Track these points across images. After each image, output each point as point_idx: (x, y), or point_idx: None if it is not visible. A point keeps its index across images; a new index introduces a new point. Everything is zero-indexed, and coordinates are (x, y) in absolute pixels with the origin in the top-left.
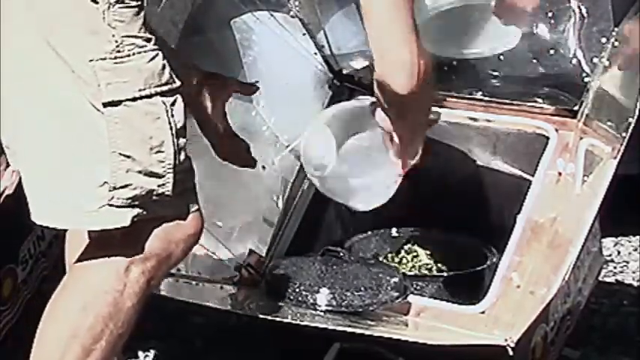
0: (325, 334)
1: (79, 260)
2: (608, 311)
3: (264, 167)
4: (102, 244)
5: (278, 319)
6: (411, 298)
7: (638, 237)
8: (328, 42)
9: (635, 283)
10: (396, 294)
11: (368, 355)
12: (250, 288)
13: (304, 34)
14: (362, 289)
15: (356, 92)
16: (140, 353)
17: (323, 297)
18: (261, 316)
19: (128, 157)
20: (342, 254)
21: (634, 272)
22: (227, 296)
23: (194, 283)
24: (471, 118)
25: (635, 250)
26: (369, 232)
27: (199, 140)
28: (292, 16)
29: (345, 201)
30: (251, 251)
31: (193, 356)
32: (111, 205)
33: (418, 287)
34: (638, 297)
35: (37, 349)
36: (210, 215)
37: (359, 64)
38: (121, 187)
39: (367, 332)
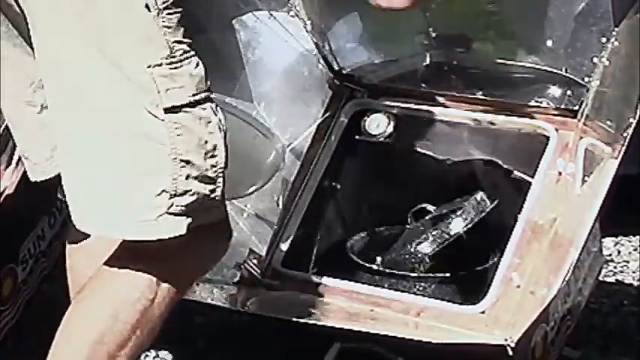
0: (326, 334)
1: (108, 265)
2: (608, 311)
3: None
4: (136, 250)
5: (279, 318)
6: (411, 297)
7: (638, 237)
8: (328, 42)
9: (635, 283)
10: None
11: (368, 355)
12: (251, 287)
13: (304, 34)
14: None
15: (356, 92)
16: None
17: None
18: (261, 314)
19: (188, 162)
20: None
21: (634, 272)
22: (227, 296)
23: (194, 283)
24: (472, 119)
25: (635, 250)
26: (368, 232)
27: None
28: (292, 16)
29: None
30: (251, 251)
31: (195, 356)
32: (170, 214)
33: (418, 287)
34: (638, 297)
35: (58, 351)
36: None
37: (359, 64)
38: (181, 194)
39: (367, 332)
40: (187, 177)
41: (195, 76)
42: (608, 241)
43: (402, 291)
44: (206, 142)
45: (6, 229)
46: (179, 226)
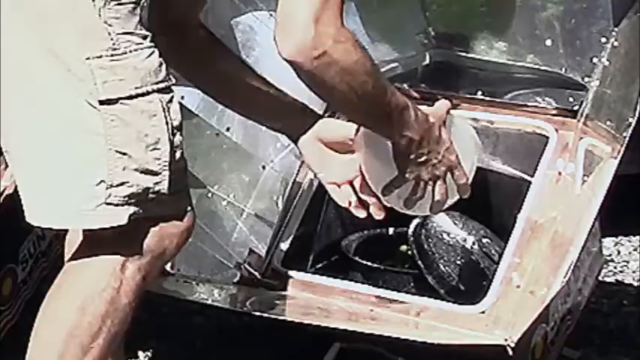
0: (325, 334)
1: (73, 259)
2: (608, 311)
3: (264, 167)
4: (97, 242)
5: (278, 318)
6: (411, 297)
7: (638, 237)
8: None
9: (635, 283)
10: None
11: (368, 355)
12: (250, 287)
13: None
14: None
15: None
16: (140, 353)
17: None
18: (260, 314)
19: (124, 154)
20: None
21: (634, 272)
22: (227, 296)
23: (194, 283)
24: (472, 119)
25: (635, 250)
26: (366, 232)
27: (200, 143)
28: None
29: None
30: (251, 251)
31: (193, 356)
32: (108, 204)
33: (418, 287)
34: (638, 297)
35: (34, 349)
36: (210, 215)
37: None
38: (118, 185)
39: (367, 332)
40: (124, 168)
41: (142, 69)
42: (608, 241)
43: (402, 291)
44: (147, 135)
45: (6, 229)
46: (119, 217)
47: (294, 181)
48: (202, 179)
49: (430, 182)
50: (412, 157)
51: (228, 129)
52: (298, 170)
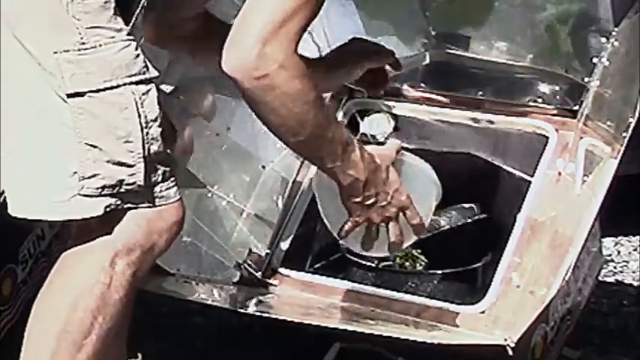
0: (325, 334)
1: (64, 256)
2: (608, 311)
3: (264, 167)
4: (85, 238)
5: (278, 318)
6: (411, 298)
7: (638, 237)
8: (328, 42)
9: (635, 283)
10: None
11: (368, 355)
12: (250, 287)
13: (304, 34)
14: None
15: (356, 92)
16: (139, 353)
17: None
18: (260, 314)
19: (94, 147)
20: None
21: (634, 272)
22: (227, 296)
23: (194, 283)
24: (472, 119)
25: (635, 250)
26: None
27: (200, 143)
28: None
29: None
30: (251, 251)
31: (193, 356)
32: (82, 195)
33: (418, 287)
34: (638, 297)
35: (28, 346)
36: (210, 215)
37: None
38: (90, 177)
39: (367, 332)
40: (95, 160)
41: (113, 62)
42: (608, 241)
43: (402, 291)
44: (117, 127)
45: (6, 229)
46: (94, 208)
47: (294, 181)
48: (202, 179)
49: (382, 224)
50: (359, 199)
51: (228, 129)
52: (298, 170)
